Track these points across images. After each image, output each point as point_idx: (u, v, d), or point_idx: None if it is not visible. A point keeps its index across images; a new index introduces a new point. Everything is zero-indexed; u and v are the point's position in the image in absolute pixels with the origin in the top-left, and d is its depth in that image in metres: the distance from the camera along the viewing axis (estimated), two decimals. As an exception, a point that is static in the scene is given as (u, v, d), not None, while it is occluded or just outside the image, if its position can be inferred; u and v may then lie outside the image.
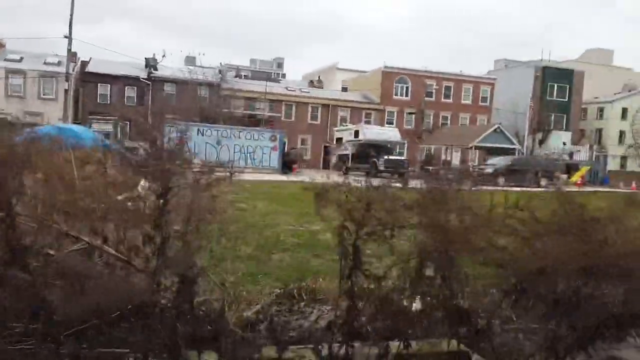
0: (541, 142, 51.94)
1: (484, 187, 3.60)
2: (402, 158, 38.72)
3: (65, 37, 31.74)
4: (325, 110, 51.70)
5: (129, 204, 2.79)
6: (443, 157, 44.58)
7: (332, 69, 67.75)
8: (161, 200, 2.47)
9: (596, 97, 60.99)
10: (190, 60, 56.54)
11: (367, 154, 34.85)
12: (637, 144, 47.57)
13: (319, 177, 3.74)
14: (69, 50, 32.68)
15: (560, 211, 2.83)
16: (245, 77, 63.41)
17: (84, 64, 44.83)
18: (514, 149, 40.97)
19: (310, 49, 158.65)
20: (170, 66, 47.31)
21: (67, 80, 34.92)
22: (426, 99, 52.25)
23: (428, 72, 54.29)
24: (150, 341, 2.62)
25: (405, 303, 3.04)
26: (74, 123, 32.02)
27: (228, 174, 3.48)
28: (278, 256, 7.09)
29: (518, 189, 16.24)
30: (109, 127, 32.65)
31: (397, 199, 2.67)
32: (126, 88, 45.20)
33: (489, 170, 30.85)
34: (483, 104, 55.80)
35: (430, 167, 24.43)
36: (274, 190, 16.54)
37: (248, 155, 33.22)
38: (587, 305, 2.90)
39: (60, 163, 3.57)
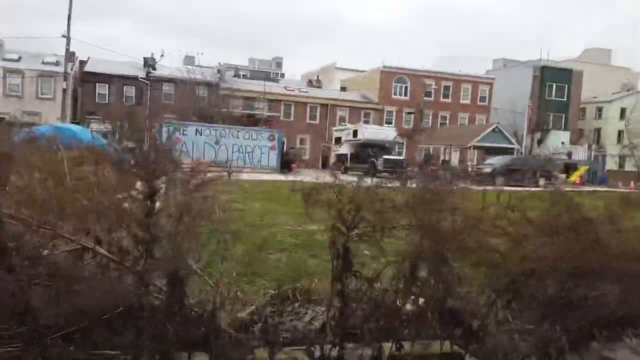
0: (540, 141, 51.97)
1: (480, 187, 3.59)
2: (401, 158, 38.70)
3: (64, 36, 31.69)
4: (324, 110, 51.69)
5: (126, 204, 2.77)
6: (442, 156, 44.58)
7: (331, 68, 67.74)
8: (148, 202, 2.45)
9: (595, 97, 61.04)
10: (189, 60, 56.57)
11: (366, 154, 34.84)
12: (632, 144, 47.63)
13: (316, 176, 3.72)
14: (67, 49, 32.62)
15: (552, 212, 2.81)
16: (244, 76, 63.43)
17: (82, 63, 44.78)
18: (512, 148, 40.99)
19: (310, 49, 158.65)
20: (169, 66, 47.31)
21: (65, 80, 34.84)
22: (425, 98, 52.25)
23: (427, 71, 54.31)
24: (140, 343, 2.60)
25: (398, 304, 3.02)
26: (72, 123, 31.95)
27: (225, 173, 3.46)
28: (275, 256, 7.08)
29: (516, 188, 16.24)
30: (107, 127, 32.55)
31: (388, 200, 2.64)
32: (124, 88, 45.15)
33: (488, 169, 30.89)
34: (482, 103, 55.84)
35: (422, 167, 24.40)
36: (272, 190, 16.51)
37: (246, 154, 33.23)
38: (580, 307, 2.88)
39: (52, 162, 3.55)
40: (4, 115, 35.17)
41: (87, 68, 44.37)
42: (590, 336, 3.05)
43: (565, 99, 56.80)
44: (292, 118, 50.71)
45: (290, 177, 24.37)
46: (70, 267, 2.53)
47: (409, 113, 52.96)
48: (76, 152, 4.25)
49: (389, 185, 2.81)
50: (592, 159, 46.18)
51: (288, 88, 54.03)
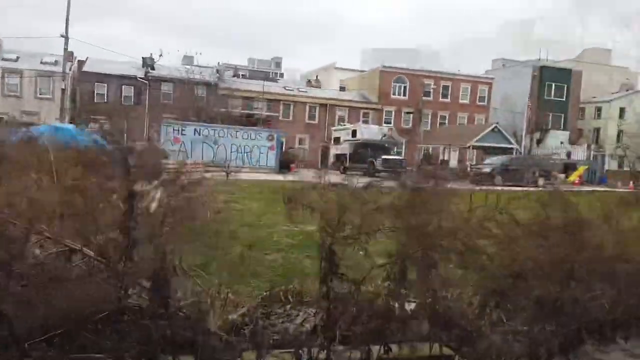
0: (539, 141, 51.93)
1: (477, 187, 3.56)
2: (400, 158, 38.66)
3: (62, 36, 31.64)
4: (323, 110, 51.64)
5: (106, 206, 2.73)
6: (441, 156, 44.55)
7: (330, 68, 67.67)
8: (128, 204, 2.41)
9: (594, 97, 60.99)
10: (188, 60, 56.49)
11: (365, 154, 34.81)
12: (625, 145, 47.68)
13: (312, 176, 3.67)
14: (66, 49, 32.57)
15: (542, 213, 2.77)
16: (243, 76, 63.39)
17: (81, 63, 44.72)
18: (511, 148, 40.98)
19: (309, 49, 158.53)
20: (168, 65, 47.23)
21: (63, 80, 34.78)
22: (424, 98, 52.19)
23: (426, 71, 54.25)
24: (124, 346, 2.56)
25: (386, 307, 2.98)
26: (70, 123, 31.89)
27: (217, 173, 3.42)
28: (272, 257, 7.05)
29: (515, 188, 16.19)
30: (105, 127, 32.48)
31: (373, 201, 2.60)
32: (123, 87, 45.11)
33: (487, 169, 30.88)
34: (481, 103, 55.79)
35: (420, 167, 24.38)
36: (270, 190, 16.47)
37: (245, 154, 33.19)
38: (571, 309, 2.84)
39: (41, 163, 3.51)
40: (3, 115, 35.16)
41: (86, 68, 44.31)
42: (580, 339, 3.01)
43: (564, 99, 56.76)
44: (291, 118, 50.67)
45: (289, 177, 24.33)
46: (50, 269, 2.49)
47: (408, 113, 52.92)
48: (67, 153, 4.21)
49: (378, 185, 2.76)
50: (591, 158, 46.14)
51: (287, 88, 53.98)
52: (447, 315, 3.02)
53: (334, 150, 41.26)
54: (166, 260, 2.60)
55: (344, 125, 44.53)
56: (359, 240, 2.64)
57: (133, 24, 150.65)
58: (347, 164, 35.83)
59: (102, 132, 3.59)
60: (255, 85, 50.16)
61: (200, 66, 50.22)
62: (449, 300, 3.12)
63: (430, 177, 2.95)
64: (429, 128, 52.14)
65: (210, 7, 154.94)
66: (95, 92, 43.99)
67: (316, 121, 51.51)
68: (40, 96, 41.97)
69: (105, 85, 44.37)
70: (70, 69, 40.17)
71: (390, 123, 50.23)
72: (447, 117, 54.54)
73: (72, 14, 33.13)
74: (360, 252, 2.73)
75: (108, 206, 2.57)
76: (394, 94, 53.17)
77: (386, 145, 37.25)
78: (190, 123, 34.68)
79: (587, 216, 3.19)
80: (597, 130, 60.61)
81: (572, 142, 53.12)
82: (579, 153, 46.18)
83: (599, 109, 61.30)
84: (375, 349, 3.03)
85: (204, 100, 44.61)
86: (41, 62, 42.59)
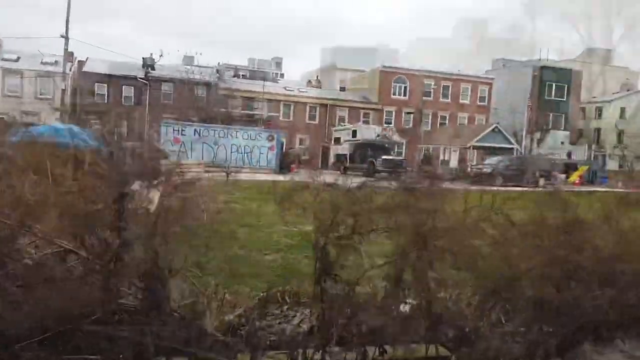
0: (539, 141, 51.89)
1: (475, 187, 3.54)
2: (400, 158, 38.66)
3: (62, 36, 31.65)
4: (323, 110, 51.63)
5: (98, 207, 2.71)
6: (441, 156, 44.55)
7: (330, 68, 67.66)
8: (118, 205, 2.40)
9: (594, 97, 60.94)
10: (188, 60, 56.51)
11: (365, 154, 34.81)
12: (623, 145, 47.66)
13: (310, 177, 3.65)
14: (66, 49, 32.60)
15: (539, 213, 2.75)
16: (244, 76, 63.42)
17: (81, 63, 44.73)
18: (512, 148, 40.99)
19: (309, 49, 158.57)
20: (168, 65, 47.24)
21: (63, 80, 34.80)
22: (424, 98, 52.17)
23: (426, 71, 54.19)
24: (117, 347, 2.54)
25: (382, 307, 2.96)
26: (70, 123, 31.89)
27: (213, 173, 3.40)
28: (271, 257, 7.05)
29: (514, 188, 16.17)
30: (103, 127, 32.46)
31: (366, 202, 2.58)
32: (123, 87, 45.13)
33: (487, 169, 30.86)
34: (481, 103, 55.74)
35: (420, 167, 24.38)
36: (270, 191, 16.43)
37: (245, 155, 33.20)
38: (569, 311, 2.82)
39: (38, 164, 3.49)
40: (3, 115, 35.17)
41: (86, 68, 44.32)
42: (577, 340, 2.99)
43: (564, 99, 56.68)
44: (291, 118, 50.66)
45: (289, 178, 24.30)
46: (43, 269, 2.47)
47: (408, 113, 52.89)
48: (63, 153, 4.20)
49: (372, 185, 2.74)
50: (592, 158, 46.12)
51: (287, 88, 53.98)
52: (444, 316, 3.00)
53: (334, 151, 41.27)
54: (158, 260, 2.58)
55: (344, 125, 44.52)
56: (353, 241, 2.61)
57: (133, 24, 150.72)
58: (348, 164, 35.83)
59: (99, 133, 3.57)
60: (256, 86, 50.16)
61: (200, 66, 50.24)
62: (446, 300, 3.10)
63: (425, 177, 2.93)
64: (429, 128, 52.11)
65: (210, 6, 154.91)
66: (96, 92, 43.99)
67: (316, 121, 51.50)
68: (41, 96, 42.01)
69: (106, 85, 44.40)
70: (70, 70, 40.19)
71: (390, 123, 50.21)
72: (447, 117, 54.50)
73: (72, 14, 33.17)
74: (355, 253, 2.71)
75: (100, 207, 2.55)
76: (394, 94, 53.14)
77: (386, 145, 37.25)
78: (190, 123, 34.69)
79: (585, 216, 3.17)
80: (598, 130, 60.54)
81: (573, 142, 53.09)
82: (580, 153, 46.17)
83: (599, 109, 61.24)
84: (371, 350, 3.01)
85: (204, 100, 44.63)
86: (41, 63, 42.60)
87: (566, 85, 56.65)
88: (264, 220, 9.58)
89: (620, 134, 56.35)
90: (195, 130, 32.74)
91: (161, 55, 47.96)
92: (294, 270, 6.23)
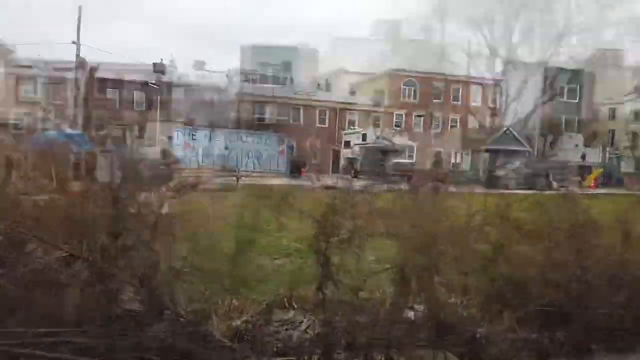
0: (552, 144, 51.31)
1: (486, 191, 3.48)
2: (411, 161, 38.46)
3: (73, 42, 32.02)
4: (333, 114, 51.57)
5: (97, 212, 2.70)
6: (453, 160, 44.24)
7: (340, 72, 67.58)
8: (114, 210, 2.38)
9: (608, 98, 60.14)
10: (199, 65, 56.80)
11: (376, 158, 34.69)
12: (625, 146, 47.03)
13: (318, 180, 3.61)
14: (77, 55, 32.99)
15: (550, 217, 2.68)
16: (254, 81, 63.52)
17: (93, 69, 45.14)
18: (524, 151, 40.56)
19: (318, 52, 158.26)
20: (179, 71, 47.59)
21: (75, 86, 35.18)
22: (434, 101, 51.84)
23: (436, 74, 53.83)
24: (117, 350, 2.52)
25: (387, 313, 2.91)
26: (82, 129, 32.22)
27: (218, 178, 3.38)
28: (280, 261, 7.01)
29: (528, 192, 15.98)
30: (117, 133, 32.81)
31: (365, 206, 2.53)
32: (134, 93, 45.49)
33: (500, 173, 30.59)
34: (492, 105, 55.23)
35: (431, 170, 24.24)
36: (280, 195, 16.39)
37: (256, 159, 33.27)
38: (579, 317, 2.74)
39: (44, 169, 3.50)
40: (17, 121, 35.62)
41: (97, 74, 44.73)
42: (591, 347, 2.91)
43: (577, 101, 56.01)
44: (301, 122, 50.65)
45: (299, 182, 24.30)
46: (46, 272, 2.46)
47: (418, 116, 52.61)
48: (70, 159, 4.22)
49: (373, 189, 2.69)
50: (607, 161, 45.48)
51: (297, 92, 54.00)
52: (450, 322, 2.93)
53: (344, 154, 41.19)
54: (163, 264, 2.56)
55: (354, 129, 44.44)
56: (353, 245, 2.56)
57: (144, 29, 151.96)
58: (358, 168, 35.73)
59: (107, 139, 3.57)
60: (266, 90, 50.26)
61: (210, 71, 50.52)
62: (453, 306, 3.03)
63: (429, 180, 2.88)
64: (439, 131, 51.77)
65: (221, 9, 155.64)
66: (107, 97, 44.37)
67: (326, 125, 51.42)
68: (53, 102, 42.47)
69: (117, 90, 44.79)
70: (82, 75, 40.61)
71: (400, 126, 49.98)
72: (457, 120, 54.10)
73: (83, 20, 33.53)
74: (357, 257, 2.67)
75: (103, 212, 2.54)
76: (404, 96, 52.90)
77: (397, 148, 37.11)
78: (200, 128, 34.85)
79: (597, 219, 3.09)
80: (612, 132, 59.67)
81: (587, 144, 52.41)
82: (594, 155, 45.57)
83: (613, 111, 60.41)
84: (377, 356, 2.96)
85: (214, 105, 44.81)
86: (54, 69, 43.10)
87: (578, 87, 55.98)
88: (273, 224, 9.54)
89: (634, 135, 55.55)
90: (205, 134, 32.87)
91: (172, 61, 48.39)
92: (302, 275, 6.16)
